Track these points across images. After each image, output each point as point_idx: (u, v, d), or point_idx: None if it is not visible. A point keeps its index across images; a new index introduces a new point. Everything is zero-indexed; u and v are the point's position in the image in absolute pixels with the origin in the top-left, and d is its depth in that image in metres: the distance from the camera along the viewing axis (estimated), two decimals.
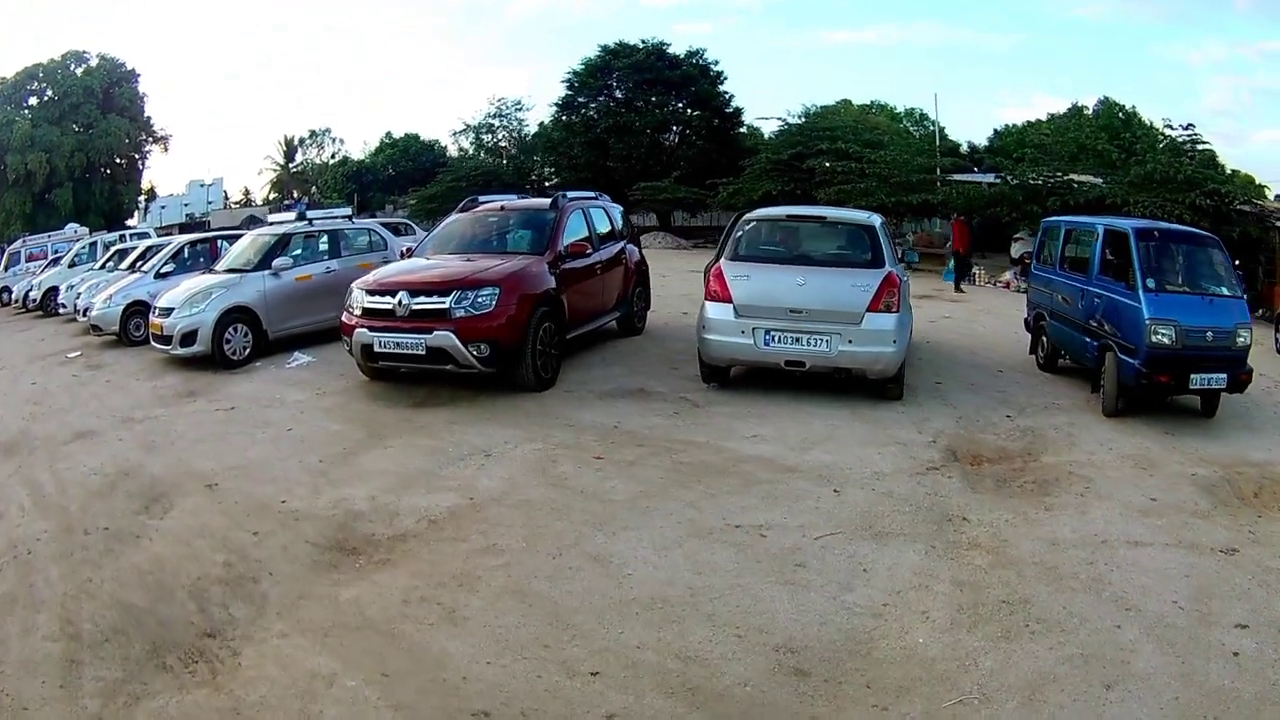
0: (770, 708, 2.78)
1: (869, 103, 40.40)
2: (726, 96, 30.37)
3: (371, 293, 6.52)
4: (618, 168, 28.50)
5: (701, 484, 4.65)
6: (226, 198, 49.26)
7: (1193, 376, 5.97)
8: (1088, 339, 6.87)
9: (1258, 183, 22.12)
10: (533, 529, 4.10)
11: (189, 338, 8.12)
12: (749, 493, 4.54)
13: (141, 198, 44.69)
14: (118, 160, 41.22)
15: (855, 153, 20.88)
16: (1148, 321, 5.97)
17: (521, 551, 3.87)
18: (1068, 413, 6.41)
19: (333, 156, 49.28)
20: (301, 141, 49.71)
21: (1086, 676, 2.93)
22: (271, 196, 47.66)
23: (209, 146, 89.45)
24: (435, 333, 6.15)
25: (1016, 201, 17.16)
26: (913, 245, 20.45)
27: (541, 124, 35.83)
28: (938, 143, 22.93)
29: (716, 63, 30.35)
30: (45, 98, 38.93)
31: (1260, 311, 11.43)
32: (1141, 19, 63.45)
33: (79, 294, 12.31)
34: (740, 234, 6.75)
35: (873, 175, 19.70)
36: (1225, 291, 6.28)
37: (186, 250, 11.35)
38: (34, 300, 15.91)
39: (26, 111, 38.47)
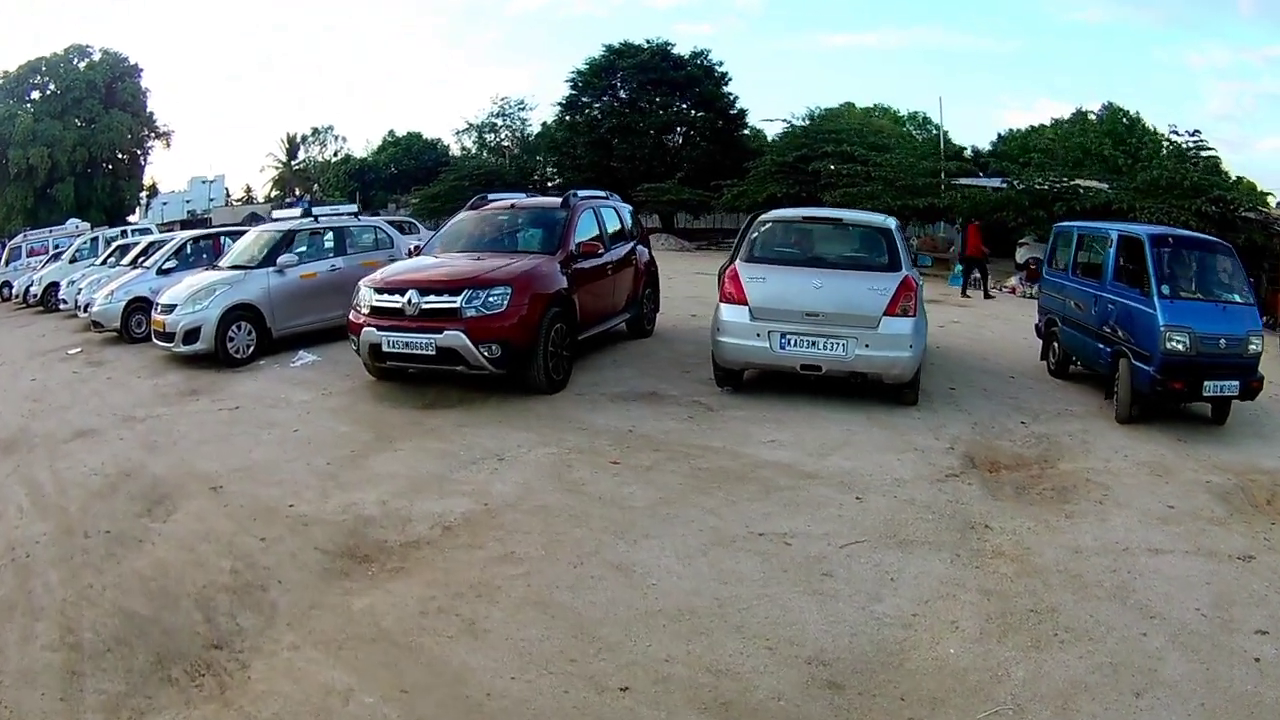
0: None
1: (872, 106, 40.48)
2: (731, 98, 30.36)
3: (380, 291, 6.41)
4: (621, 168, 28.41)
5: (721, 490, 4.57)
6: (228, 195, 49.27)
7: (1206, 383, 5.94)
8: (1101, 345, 6.82)
9: (1260, 190, 22.06)
10: (551, 536, 4.00)
11: (192, 335, 8.00)
12: (770, 499, 4.47)
13: (143, 194, 44.55)
14: (120, 155, 40.94)
15: (861, 156, 20.77)
16: (1163, 328, 5.93)
17: (541, 560, 3.77)
18: (1081, 419, 6.37)
19: (335, 154, 49.25)
20: (304, 139, 49.69)
21: (1117, 685, 2.92)
22: (273, 194, 47.56)
23: (211, 143, 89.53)
24: (445, 332, 6.04)
25: (1023, 206, 17.13)
26: (918, 249, 20.36)
27: (544, 124, 35.86)
28: (942, 146, 22.86)
29: (721, 64, 30.40)
30: (47, 92, 38.64)
31: (1265, 319, 11.37)
32: (1142, 23, 63.70)
33: (80, 289, 12.21)
34: (755, 235, 6.66)
35: (878, 178, 19.59)
36: (1237, 299, 6.26)
37: (189, 246, 11.17)
38: (34, 296, 15.77)
39: (29, 105, 38.17)
